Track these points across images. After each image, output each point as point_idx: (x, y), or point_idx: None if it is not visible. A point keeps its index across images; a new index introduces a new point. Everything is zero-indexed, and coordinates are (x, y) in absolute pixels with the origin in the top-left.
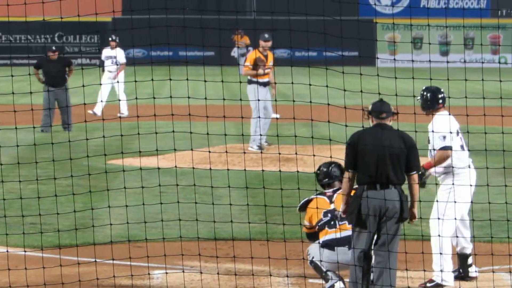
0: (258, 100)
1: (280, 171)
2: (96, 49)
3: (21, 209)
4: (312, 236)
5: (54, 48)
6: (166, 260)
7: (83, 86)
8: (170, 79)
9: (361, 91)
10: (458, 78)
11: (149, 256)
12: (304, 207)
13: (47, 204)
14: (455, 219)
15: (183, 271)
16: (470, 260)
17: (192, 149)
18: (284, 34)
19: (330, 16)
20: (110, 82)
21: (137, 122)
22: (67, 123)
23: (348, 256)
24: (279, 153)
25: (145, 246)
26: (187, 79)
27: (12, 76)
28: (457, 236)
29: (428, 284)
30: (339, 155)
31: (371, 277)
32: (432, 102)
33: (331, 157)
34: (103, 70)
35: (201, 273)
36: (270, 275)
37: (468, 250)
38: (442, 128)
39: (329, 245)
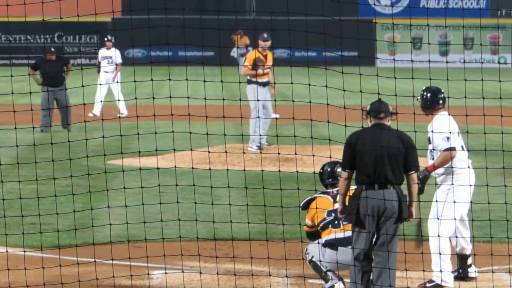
0: (258, 100)
1: (279, 171)
2: (96, 49)
3: (20, 209)
4: (313, 235)
5: (52, 49)
6: (166, 260)
7: (83, 86)
8: (170, 79)
9: (361, 91)
10: (457, 78)
11: (149, 256)
12: (307, 206)
13: (46, 204)
14: (455, 219)
15: (183, 271)
16: (469, 261)
17: (191, 149)
18: (283, 34)
19: (329, 16)
20: (106, 82)
21: (136, 122)
22: (66, 123)
23: (351, 256)
24: (279, 153)
25: (145, 246)
26: (187, 79)
27: (11, 76)
28: (456, 237)
29: (427, 285)
30: (338, 155)
31: (371, 277)
32: (432, 102)
33: (330, 157)
34: (99, 71)
35: (200, 273)
36: (270, 275)
37: (468, 251)
38: (445, 128)
39: (333, 244)
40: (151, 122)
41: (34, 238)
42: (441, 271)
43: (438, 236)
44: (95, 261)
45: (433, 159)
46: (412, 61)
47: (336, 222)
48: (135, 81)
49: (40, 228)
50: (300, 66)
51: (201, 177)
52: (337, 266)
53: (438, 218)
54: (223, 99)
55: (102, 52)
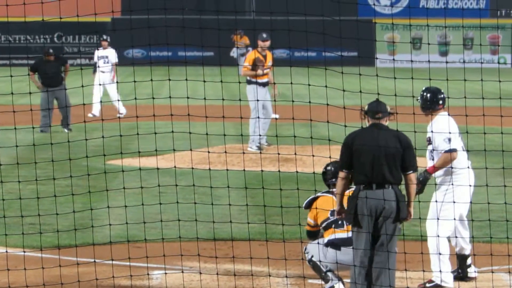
0: (257, 100)
1: (279, 171)
2: (96, 49)
3: (20, 209)
4: (313, 234)
5: (51, 50)
6: (166, 260)
7: (82, 86)
8: (169, 79)
9: (360, 91)
10: (457, 78)
11: (148, 257)
12: (310, 205)
13: (46, 205)
14: (454, 219)
15: (182, 272)
16: (469, 261)
17: (191, 149)
18: (283, 34)
19: (329, 16)
20: (102, 82)
21: (136, 123)
22: (66, 123)
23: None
24: (278, 153)
25: (144, 246)
26: (186, 79)
27: (11, 76)
28: (456, 237)
29: (427, 285)
30: (338, 155)
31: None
32: (432, 102)
33: (330, 157)
34: (94, 71)
35: (200, 273)
36: (269, 276)
37: (467, 251)
38: (446, 129)
39: (335, 244)
40: (151, 122)
41: (34, 239)
42: (440, 271)
43: (438, 236)
44: (94, 261)
45: (432, 159)
46: (411, 61)
47: (339, 222)
48: (134, 81)
49: (40, 229)
50: (299, 66)
51: (201, 177)
52: (337, 266)
53: (437, 219)
54: (223, 99)
55: (98, 53)
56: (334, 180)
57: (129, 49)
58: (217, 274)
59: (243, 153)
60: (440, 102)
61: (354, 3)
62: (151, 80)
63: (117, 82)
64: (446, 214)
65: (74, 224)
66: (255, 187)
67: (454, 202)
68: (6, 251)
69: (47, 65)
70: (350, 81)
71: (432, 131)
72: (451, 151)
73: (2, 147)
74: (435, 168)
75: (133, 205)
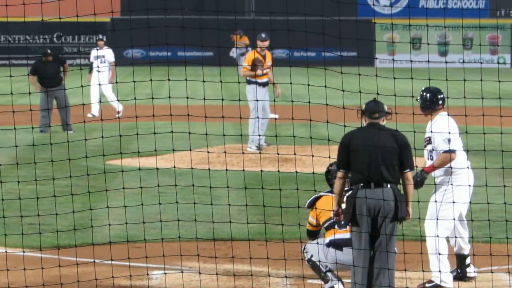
0: (257, 100)
1: (278, 171)
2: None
3: (20, 209)
4: (314, 234)
5: (49, 51)
6: (165, 260)
7: (82, 86)
8: (169, 80)
9: (360, 92)
10: (456, 78)
11: (148, 257)
12: (313, 204)
13: (46, 205)
14: (454, 219)
15: (182, 272)
16: (468, 261)
17: (190, 150)
18: (282, 35)
19: (328, 17)
20: (99, 82)
21: (135, 123)
22: (66, 124)
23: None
24: (278, 154)
25: (144, 246)
26: (186, 80)
27: (11, 76)
28: (455, 237)
29: (427, 285)
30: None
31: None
32: (431, 102)
33: (329, 157)
34: (90, 71)
35: (199, 273)
36: (269, 276)
37: (466, 251)
38: (446, 130)
39: (338, 245)
40: (151, 123)
41: (34, 239)
42: (440, 271)
43: (437, 236)
44: (94, 261)
45: (431, 159)
46: (411, 61)
47: (342, 222)
48: (134, 82)
49: (39, 229)
50: (299, 66)
51: (201, 177)
52: (337, 266)
53: (436, 219)
54: (222, 99)
55: (95, 52)
56: None
57: (129, 49)
58: (216, 274)
59: (243, 153)
60: (440, 102)
61: (353, 3)
62: (151, 80)
63: (116, 82)
64: (445, 214)
65: (73, 224)
66: (255, 187)
67: (453, 202)
68: (6, 251)
69: (46, 65)
70: (350, 81)
71: (431, 131)
72: (450, 151)
73: (1, 147)
74: (433, 168)
75: (132, 205)
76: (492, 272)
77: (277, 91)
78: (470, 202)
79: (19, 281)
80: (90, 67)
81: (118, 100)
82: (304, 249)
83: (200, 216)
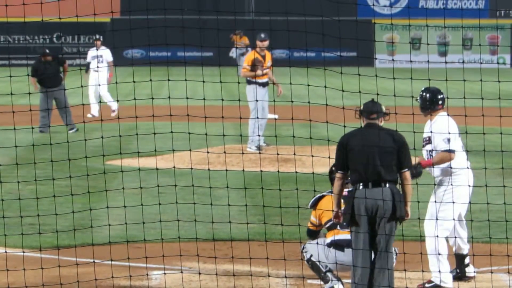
0: (257, 100)
1: (278, 171)
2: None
3: (19, 209)
4: (314, 234)
5: (47, 51)
6: (165, 260)
7: (82, 86)
8: (169, 80)
9: (360, 92)
10: (456, 78)
11: (148, 257)
12: (316, 204)
13: (45, 205)
14: (454, 219)
15: (182, 272)
16: (467, 260)
17: (190, 150)
18: (282, 35)
19: (328, 17)
20: (96, 82)
21: (135, 123)
22: (70, 123)
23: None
24: (278, 154)
25: (144, 246)
26: (186, 80)
27: (10, 76)
28: (455, 237)
29: (426, 285)
30: None
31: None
32: (431, 103)
33: (329, 157)
34: (86, 71)
35: (199, 273)
36: (269, 276)
37: (465, 251)
38: (446, 130)
39: (339, 245)
40: (150, 123)
41: (33, 239)
42: (439, 271)
43: (436, 236)
44: (94, 261)
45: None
46: (411, 61)
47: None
48: (134, 82)
49: (39, 229)
50: (299, 66)
51: (200, 177)
52: (336, 266)
53: (435, 219)
54: (222, 100)
55: (92, 52)
56: None
57: (128, 50)
58: (216, 274)
59: (243, 153)
60: (440, 102)
61: (353, 4)
62: (151, 80)
63: (116, 82)
64: (445, 214)
65: (73, 225)
66: (255, 188)
67: (453, 202)
68: (6, 252)
69: (46, 65)
70: (350, 82)
71: (431, 131)
72: (449, 151)
73: (1, 147)
74: (432, 164)
75: (132, 206)
76: (492, 273)
77: (278, 90)
78: (470, 202)
79: (19, 281)
80: (86, 67)
81: (117, 101)
82: (303, 248)
83: (200, 217)
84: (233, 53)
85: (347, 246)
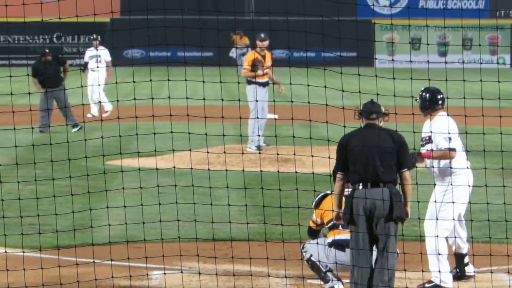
0: (257, 100)
1: (278, 171)
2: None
3: (19, 209)
4: (315, 233)
5: (47, 50)
6: (165, 260)
7: (81, 86)
8: (169, 80)
9: (360, 92)
10: (456, 78)
11: (148, 257)
12: (319, 203)
13: (45, 205)
14: (453, 219)
15: (182, 272)
16: (466, 259)
17: (190, 150)
18: (282, 35)
19: (328, 17)
20: (93, 81)
21: (135, 123)
22: (73, 122)
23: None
24: (278, 154)
25: (144, 246)
26: (186, 80)
27: (10, 76)
28: (455, 237)
29: (426, 285)
30: None
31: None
32: (431, 102)
33: (329, 157)
34: (84, 71)
35: (199, 273)
36: (269, 276)
37: (465, 250)
38: (446, 129)
39: (340, 245)
40: (150, 123)
41: (33, 239)
42: (439, 271)
43: (436, 236)
44: (94, 261)
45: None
46: (411, 61)
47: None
48: (134, 82)
49: (39, 229)
50: (299, 66)
51: (200, 177)
52: (337, 266)
53: (435, 219)
54: (222, 100)
55: (90, 52)
56: None
57: (128, 50)
58: (216, 274)
59: (242, 153)
60: (440, 102)
61: (353, 4)
62: (150, 80)
63: (116, 82)
64: (445, 214)
65: (73, 225)
66: (255, 188)
67: (453, 202)
68: (6, 252)
69: (46, 66)
70: (349, 82)
71: (431, 131)
72: (450, 150)
73: (1, 147)
74: (431, 158)
75: (132, 206)
76: (491, 272)
77: (280, 88)
78: (470, 202)
79: (19, 281)
80: (84, 66)
81: (117, 101)
82: (303, 248)
83: (200, 217)
84: (233, 53)
85: (348, 246)
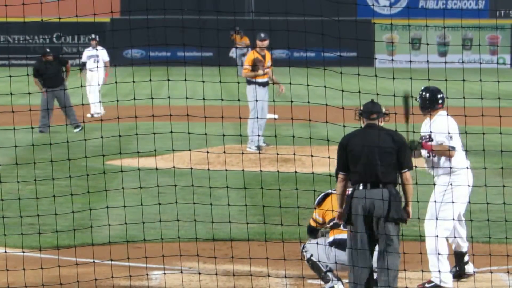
0: (257, 100)
1: (278, 171)
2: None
3: (19, 209)
4: (314, 231)
5: (48, 50)
6: (165, 260)
7: (81, 86)
8: (169, 80)
9: (359, 92)
10: (456, 78)
11: (148, 257)
12: (321, 202)
13: (45, 205)
14: (453, 219)
15: (182, 272)
16: (466, 258)
17: (190, 150)
18: (282, 35)
19: (328, 17)
20: (91, 81)
21: (135, 123)
22: (75, 122)
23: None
24: (277, 154)
25: (144, 246)
26: (185, 80)
27: (10, 76)
28: (455, 237)
29: (426, 285)
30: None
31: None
32: (431, 102)
33: (329, 157)
34: (81, 70)
35: (199, 273)
36: (269, 276)
37: (464, 249)
38: (449, 128)
39: (341, 244)
40: (150, 123)
41: (33, 239)
42: (439, 271)
43: (436, 236)
44: (94, 261)
45: (428, 156)
46: (410, 61)
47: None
48: (133, 82)
49: (39, 229)
50: (298, 66)
51: (200, 177)
52: (337, 266)
53: (435, 219)
54: (222, 100)
55: (88, 52)
56: None
57: (128, 50)
58: (216, 274)
59: (242, 153)
60: (440, 101)
61: (353, 4)
62: (150, 80)
63: (116, 82)
64: (445, 214)
65: (73, 225)
66: (254, 188)
67: (453, 202)
68: (5, 252)
69: (47, 65)
70: (349, 82)
71: (431, 131)
72: (450, 148)
73: (1, 147)
74: (431, 149)
75: (132, 206)
76: (491, 272)
77: (280, 88)
78: (470, 202)
79: (19, 281)
80: (82, 66)
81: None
82: (303, 248)
83: (199, 217)
84: (233, 53)
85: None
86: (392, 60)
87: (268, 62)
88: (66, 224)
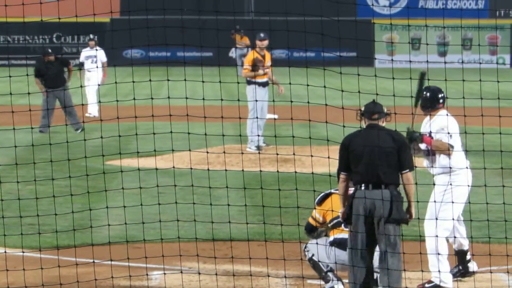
0: (256, 100)
1: (278, 171)
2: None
3: (19, 209)
4: (313, 229)
5: (49, 50)
6: (164, 261)
7: (81, 86)
8: (168, 80)
9: (359, 92)
10: (456, 78)
11: (147, 257)
12: (322, 201)
13: (45, 205)
14: (453, 219)
15: (181, 272)
16: (468, 256)
17: (190, 150)
18: (282, 35)
19: (328, 17)
20: (88, 81)
21: (135, 123)
22: (75, 123)
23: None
24: (277, 154)
25: (143, 247)
26: (185, 80)
27: (10, 76)
28: (455, 237)
29: (426, 285)
30: (337, 155)
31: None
32: (432, 101)
33: (329, 157)
34: (79, 70)
35: (199, 274)
36: (268, 276)
37: (466, 246)
38: (449, 127)
39: (342, 244)
40: (150, 123)
41: (33, 239)
42: (439, 271)
43: (436, 236)
44: (93, 261)
45: (428, 154)
46: (410, 61)
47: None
48: (133, 82)
49: (38, 229)
50: (298, 66)
51: (200, 177)
52: (336, 266)
53: (435, 219)
54: (222, 100)
55: (86, 52)
56: None
57: (128, 50)
58: (216, 274)
59: (242, 153)
60: (441, 101)
61: (353, 4)
62: (150, 80)
63: (116, 82)
64: (445, 214)
65: (73, 225)
66: (254, 188)
67: (452, 202)
68: (5, 252)
69: (48, 66)
70: (349, 82)
71: (430, 131)
72: (450, 146)
73: (1, 147)
74: (430, 143)
75: (132, 206)
76: (491, 272)
77: (279, 88)
78: (469, 202)
79: (19, 282)
80: (79, 67)
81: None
82: (305, 247)
83: (199, 217)
84: (232, 53)
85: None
86: (392, 60)
87: (268, 62)
88: (66, 224)
